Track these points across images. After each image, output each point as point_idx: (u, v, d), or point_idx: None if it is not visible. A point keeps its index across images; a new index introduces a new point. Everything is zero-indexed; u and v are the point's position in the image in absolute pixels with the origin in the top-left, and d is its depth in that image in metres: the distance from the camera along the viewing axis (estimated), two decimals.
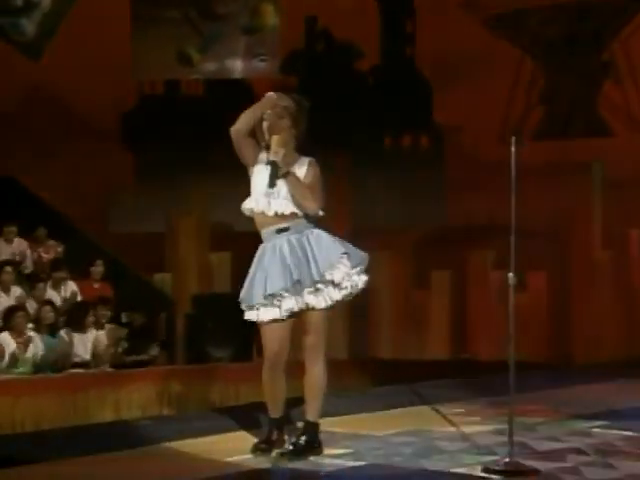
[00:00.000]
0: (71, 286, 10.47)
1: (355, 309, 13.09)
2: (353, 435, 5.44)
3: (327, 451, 5.00)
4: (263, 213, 4.98)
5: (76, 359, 8.98)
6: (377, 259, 13.51)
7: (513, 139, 4.63)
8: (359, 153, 14.72)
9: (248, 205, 5.04)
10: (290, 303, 4.91)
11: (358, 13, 15.05)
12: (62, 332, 9.14)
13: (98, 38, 11.29)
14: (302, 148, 5.17)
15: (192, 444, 5.27)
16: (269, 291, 4.90)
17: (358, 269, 4.99)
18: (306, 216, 4.98)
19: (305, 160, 5.09)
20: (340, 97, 15.26)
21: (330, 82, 15.36)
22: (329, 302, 4.94)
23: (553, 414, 6.29)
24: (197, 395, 8.09)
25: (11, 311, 8.77)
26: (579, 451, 5.13)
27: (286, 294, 4.91)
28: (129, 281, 11.47)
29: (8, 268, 9.87)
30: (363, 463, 4.84)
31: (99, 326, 9.43)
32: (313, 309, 4.92)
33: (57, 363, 8.71)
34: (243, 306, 5.01)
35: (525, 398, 6.20)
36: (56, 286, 10.32)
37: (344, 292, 4.93)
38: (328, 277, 4.91)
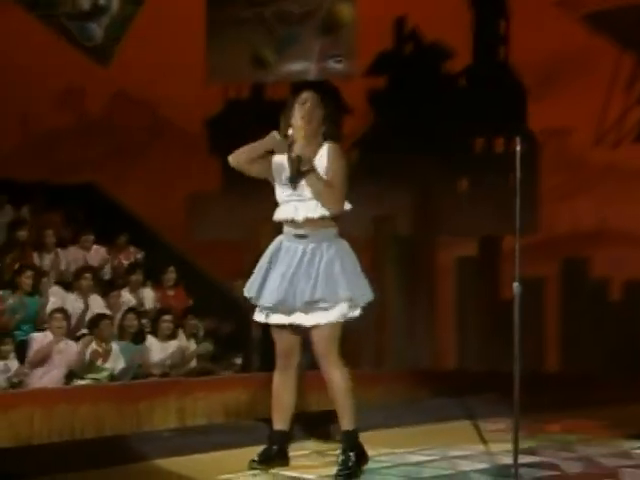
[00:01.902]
0: (148, 292, 10.66)
1: (440, 318, 13.08)
2: (370, 451, 5.33)
3: (328, 470, 4.89)
4: (293, 221, 4.97)
5: (155, 368, 9.13)
6: (466, 267, 13.43)
7: (518, 139, 4.57)
8: (448, 157, 14.63)
9: (277, 217, 5.05)
10: (278, 318, 4.94)
11: (449, 13, 14.98)
12: (148, 339, 9.29)
13: (176, 41, 11.48)
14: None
15: (193, 459, 5.26)
16: (263, 303, 4.90)
17: (354, 307, 4.97)
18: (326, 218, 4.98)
19: (324, 146, 5.00)
20: (429, 99, 15.19)
21: (419, 84, 15.31)
22: (322, 321, 4.92)
23: (601, 432, 6.16)
24: (266, 403, 8.14)
25: (97, 319, 8.94)
26: (608, 476, 4.92)
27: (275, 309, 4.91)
28: (208, 288, 11.61)
29: (87, 274, 10.07)
30: None
31: (185, 334, 9.59)
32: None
33: (136, 371, 8.87)
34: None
35: (580, 414, 6.12)
36: (133, 291, 10.50)
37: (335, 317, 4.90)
38: (321, 305, 4.86)
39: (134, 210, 13.45)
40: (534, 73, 15.72)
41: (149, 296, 10.66)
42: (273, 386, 5.05)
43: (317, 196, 4.92)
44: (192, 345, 9.53)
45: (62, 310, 8.76)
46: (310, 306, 4.86)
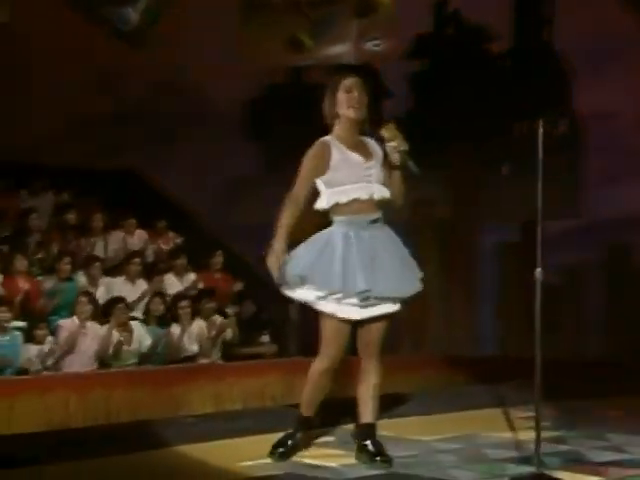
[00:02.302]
0: (191, 276, 10.70)
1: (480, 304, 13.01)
2: (396, 439, 5.35)
3: (350, 459, 4.88)
4: (358, 199, 4.96)
5: (186, 352, 9.17)
6: (506, 252, 13.33)
7: (541, 121, 4.51)
8: (491, 141, 14.52)
9: (337, 199, 4.98)
10: (355, 312, 4.93)
11: None
12: (173, 325, 9.32)
13: (212, 25, 11.48)
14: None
15: (216, 446, 5.26)
16: (358, 289, 4.86)
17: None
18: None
19: (373, 141, 5.11)
20: (470, 82, 15.09)
21: (460, 66, 15.21)
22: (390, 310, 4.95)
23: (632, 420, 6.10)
24: (302, 388, 8.17)
25: (112, 303, 8.96)
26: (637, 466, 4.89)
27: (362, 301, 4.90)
28: (247, 273, 11.64)
29: (136, 259, 10.15)
30: (377, 472, 4.74)
31: (206, 317, 9.58)
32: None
33: (165, 355, 8.91)
34: (314, 292, 4.93)
35: (618, 402, 6.06)
36: (178, 274, 10.55)
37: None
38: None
39: (173, 195, 13.51)
40: (579, 54, 15.56)
41: (192, 279, 10.70)
42: (319, 377, 4.97)
43: (397, 187, 5.02)
44: (223, 327, 9.49)
45: (87, 293, 8.79)
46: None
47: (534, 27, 15.67)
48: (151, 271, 10.43)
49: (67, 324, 8.49)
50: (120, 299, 8.90)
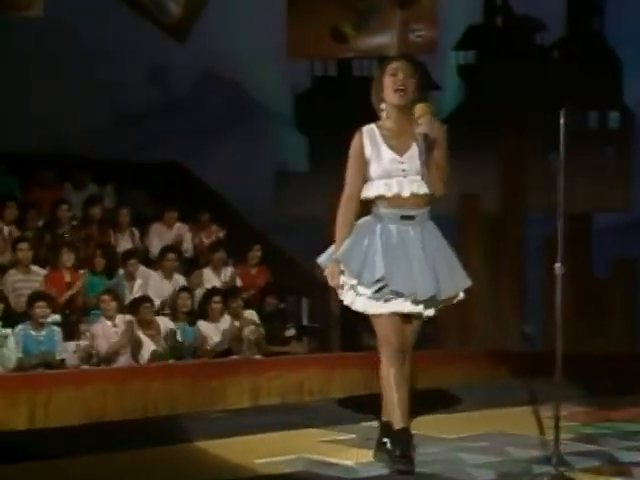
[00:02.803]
0: (230, 270, 10.63)
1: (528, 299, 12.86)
2: (420, 438, 5.17)
3: (367, 458, 4.81)
4: (399, 196, 4.85)
5: (215, 346, 9.10)
6: (551, 246, 13.22)
7: (562, 111, 4.39)
8: (539, 132, 14.35)
9: (376, 191, 4.88)
10: (405, 306, 4.81)
11: None
12: (200, 322, 9.25)
13: (257, 17, 11.49)
14: None
15: (238, 442, 5.21)
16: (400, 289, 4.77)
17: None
18: (428, 195, 4.85)
19: (424, 121, 4.80)
20: (521, 73, 14.94)
21: (510, 57, 15.07)
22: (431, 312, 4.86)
23: None
24: (340, 383, 8.15)
25: (136, 302, 8.90)
26: None
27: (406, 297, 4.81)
28: (289, 266, 11.60)
29: (171, 255, 10.03)
30: (389, 471, 4.63)
31: (237, 313, 9.51)
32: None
33: (194, 350, 8.88)
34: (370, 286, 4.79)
35: None
36: (216, 269, 10.47)
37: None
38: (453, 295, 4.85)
39: (218, 188, 13.51)
40: (631, 45, 15.34)
41: (232, 275, 10.64)
42: (389, 380, 4.72)
43: (430, 176, 4.81)
44: (257, 323, 9.44)
45: (109, 291, 8.75)
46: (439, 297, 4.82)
47: (585, 17, 15.49)
48: (191, 265, 10.38)
49: (99, 331, 8.43)
50: (146, 298, 8.85)
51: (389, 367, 4.77)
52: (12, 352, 7.72)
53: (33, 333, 7.91)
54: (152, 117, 14.31)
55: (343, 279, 4.85)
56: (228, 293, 9.60)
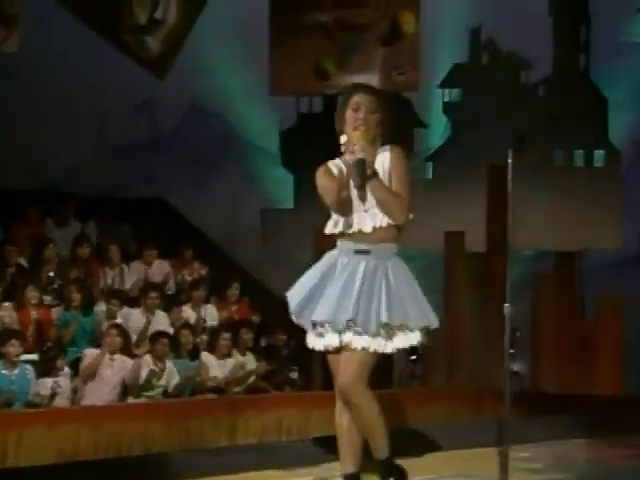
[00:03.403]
0: (210, 308, 10.58)
1: (518, 338, 12.75)
2: None
3: None
4: (354, 232, 4.68)
5: (211, 383, 9.06)
6: (543, 283, 13.08)
7: (510, 151, 4.33)
8: (526, 170, 14.34)
9: (335, 228, 4.72)
10: (336, 339, 4.62)
11: (525, 22, 14.71)
12: (202, 356, 9.21)
13: (241, 52, 11.47)
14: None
15: None
16: (318, 318, 4.62)
17: (418, 331, 4.65)
18: (392, 229, 4.68)
19: (385, 147, 4.70)
20: (507, 110, 14.94)
21: (496, 95, 15.06)
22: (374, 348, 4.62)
23: None
24: (319, 422, 8.01)
25: (156, 336, 8.90)
26: None
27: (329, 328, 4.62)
28: (275, 304, 11.51)
29: (152, 293, 10.00)
30: None
31: (240, 350, 9.49)
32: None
33: (191, 388, 8.82)
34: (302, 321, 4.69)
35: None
36: (195, 307, 10.43)
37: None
38: (396, 324, 4.60)
39: (202, 224, 13.44)
40: (616, 83, 15.35)
41: (212, 312, 10.58)
42: (339, 421, 4.60)
43: (381, 204, 4.63)
44: (250, 361, 9.41)
45: (117, 326, 8.73)
46: (378, 329, 4.60)
47: (570, 55, 15.49)
48: (171, 302, 10.32)
49: (91, 353, 8.42)
50: (164, 333, 8.83)
51: (336, 407, 4.66)
52: None
53: (4, 372, 7.79)
54: (137, 152, 14.25)
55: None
56: (239, 328, 9.59)
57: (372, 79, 10.03)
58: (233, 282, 10.84)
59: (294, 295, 4.77)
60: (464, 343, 12.26)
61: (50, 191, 12.25)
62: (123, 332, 8.67)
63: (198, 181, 14.33)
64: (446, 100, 14.96)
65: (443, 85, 14.82)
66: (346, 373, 4.59)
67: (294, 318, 4.74)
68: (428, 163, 15.20)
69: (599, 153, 15.56)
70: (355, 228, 4.69)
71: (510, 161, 4.44)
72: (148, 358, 8.69)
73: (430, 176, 15.16)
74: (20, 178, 12.19)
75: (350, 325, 4.57)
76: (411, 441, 6.32)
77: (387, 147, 4.73)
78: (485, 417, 9.34)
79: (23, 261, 10.33)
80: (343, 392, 4.61)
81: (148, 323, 9.62)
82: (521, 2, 14.68)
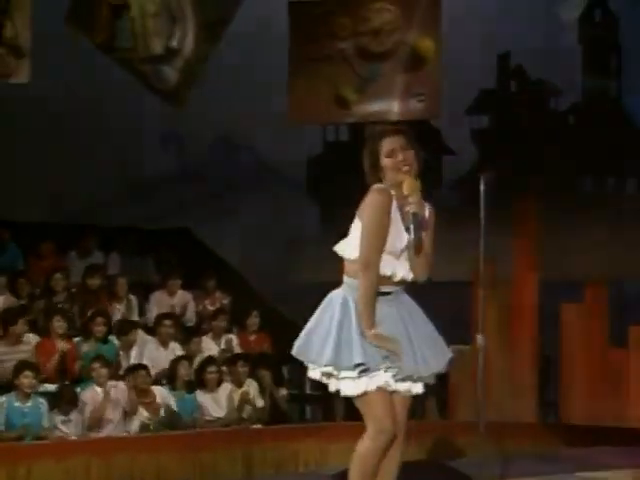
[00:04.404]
0: (230, 337, 10.55)
1: (544, 369, 12.59)
2: None
3: None
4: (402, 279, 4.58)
5: (215, 415, 8.97)
6: (573, 314, 12.93)
7: (482, 178, 4.24)
8: (555, 197, 14.23)
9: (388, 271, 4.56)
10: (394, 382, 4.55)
11: (555, 49, 14.65)
12: (197, 392, 9.10)
13: (262, 82, 11.49)
14: None
15: None
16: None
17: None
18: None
19: (426, 206, 4.62)
20: (536, 138, 14.85)
21: (525, 122, 14.99)
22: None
23: None
24: (337, 455, 7.93)
25: (133, 368, 8.79)
26: None
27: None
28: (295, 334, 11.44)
29: (167, 321, 9.97)
30: None
31: (238, 382, 9.37)
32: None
33: (194, 421, 8.74)
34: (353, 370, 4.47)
35: None
36: (216, 336, 10.42)
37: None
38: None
39: (228, 254, 13.44)
40: None
41: (229, 340, 10.55)
42: (372, 460, 4.47)
43: (427, 255, 4.56)
44: (250, 391, 9.28)
45: (101, 358, 8.63)
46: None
47: (601, 82, 15.41)
48: (191, 334, 10.28)
49: (89, 397, 8.30)
50: (141, 366, 8.74)
51: (372, 445, 4.52)
52: None
53: (17, 405, 7.76)
54: (164, 183, 14.32)
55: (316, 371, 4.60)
56: (235, 360, 9.48)
57: (392, 106, 9.99)
58: (252, 311, 10.79)
59: (319, 342, 4.64)
60: (492, 373, 12.11)
61: (73, 223, 12.31)
62: (107, 363, 8.56)
63: (223, 211, 14.36)
64: (474, 127, 14.92)
65: (470, 112, 14.78)
66: (405, 417, 4.58)
67: (327, 365, 4.53)
68: (456, 190, 15.14)
69: (630, 181, 15.42)
70: (401, 275, 4.57)
71: (483, 188, 4.36)
72: (133, 397, 8.53)
73: (457, 203, 15.09)
74: (44, 210, 12.27)
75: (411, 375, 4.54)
76: (438, 474, 6.21)
77: (427, 207, 4.61)
78: (511, 449, 9.23)
79: (43, 291, 10.36)
80: (400, 433, 4.55)
81: (169, 356, 9.59)
82: (550, 29, 14.62)
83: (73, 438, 7.74)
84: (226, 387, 9.11)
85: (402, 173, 4.51)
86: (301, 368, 10.66)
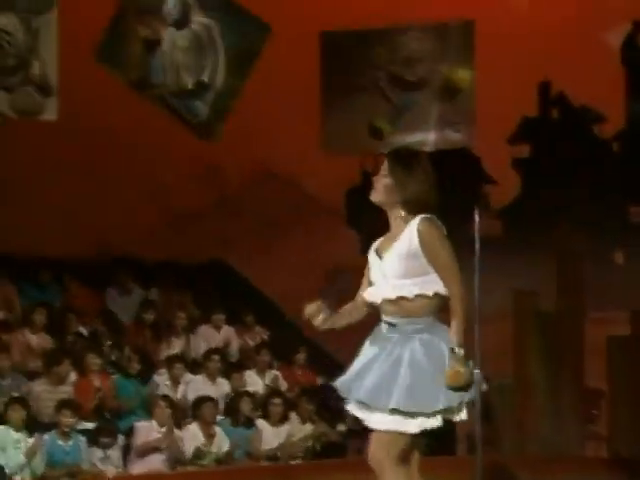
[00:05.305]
0: (276, 374, 10.62)
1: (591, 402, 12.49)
2: None
3: None
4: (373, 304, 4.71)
5: (267, 451, 9.04)
6: (617, 346, 12.79)
7: (476, 210, 4.22)
8: (601, 228, 14.11)
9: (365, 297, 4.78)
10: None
11: (597, 75, 14.56)
12: (257, 423, 9.20)
13: (295, 112, 11.53)
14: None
15: None
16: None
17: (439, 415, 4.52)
18: (424, 301, 4.56)
19: (416, 219, 4.57)
20: (579, 166, 14.76)
21: (568, 150, 14.90)
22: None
23: None
24: None
25: (200, 402, 8.92)
26: None
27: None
28: (336, 368, 11.45)
29: (215, 357, 10.11)
30: None
31: (300, 418, 9.47)
32: None
33: (246, 455, 8.81)
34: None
35: None
36: (261, 371, 10.49)
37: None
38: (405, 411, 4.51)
39: (266, 286, 13.48)
40: None
41: (279, 378, 10.62)
42: None
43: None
44: (306, 428, 9.36)
45: (166, 397, 8.75)
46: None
47: None
48: (233, 368, 10.35)
49: (144, 428, 8.42)
50: (208, 398, 8.86)
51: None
52: (37, 463, 7.66)
53: (60, 443, 7.85)
54: (202, 216, 14.37)
55: None
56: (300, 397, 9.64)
57: (427, 137, 10.03)
58: (300, 346, 10.88)
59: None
60: (534, 406, 12.04)
61: (113, 258, 12.41)
62: (172, 403, 8.68)
63: (261, 244, 14.38)
64: (515, 156, 14.86)
65: (512, 140, 14.72)
66: (376, 454, 4.57)
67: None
68: (498, 220, 15.07)
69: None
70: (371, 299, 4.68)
71: (477, 219, 4.35)
72: (194, 428, 8.65)
73: (500, 233, 15.01)
74: (81, 246, 12.38)
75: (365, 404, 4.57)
76: None
77: (415, 222, 4.58)
78: None
79: (83, 329, 10.48)
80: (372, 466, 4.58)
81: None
82: (592, 52, 14.55)
83: (120, 475, 7.81)
84: (288, 423, 9.23)
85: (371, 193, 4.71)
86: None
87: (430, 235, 4.54)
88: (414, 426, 4.51)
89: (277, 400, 9.36)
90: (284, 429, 9.25)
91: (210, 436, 8.64)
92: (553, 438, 12.03)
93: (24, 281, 11.17)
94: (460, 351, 4.37)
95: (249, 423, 9.26)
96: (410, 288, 4.56)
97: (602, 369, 12.44)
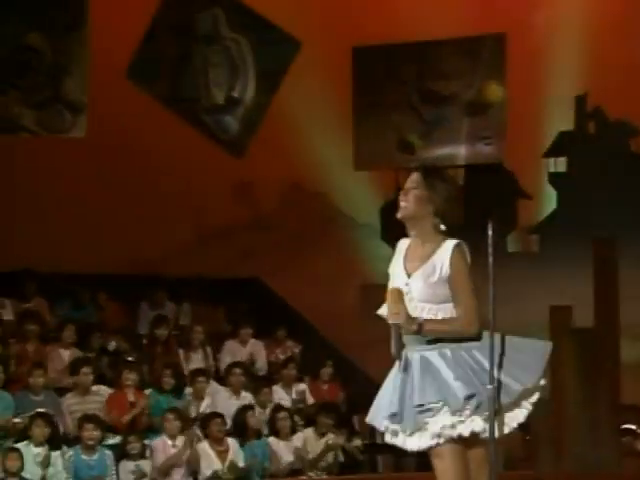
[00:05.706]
0: (303, 388, 10.63)
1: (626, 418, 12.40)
2: None
3: None
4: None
5: (287, 465, 9.05)
6: None
7: (490, 224, 4.21)
8: (637, 243, 14.02)
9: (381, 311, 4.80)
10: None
11: (632, 88, 14.50)
12: (269, 441, 9.21)
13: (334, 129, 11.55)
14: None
15: None
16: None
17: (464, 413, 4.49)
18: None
19: (449, 244, 4.59)
20: (615, 180, 14.70)
21: (604, 165, 14.84)
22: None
23: None
24: None
25: (208, 418, 8.93)
26: None
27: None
28: (367, 386, 11.47)
29: (237, 370, 10.14)
30: None
31: (319, 432, 9.46)
32: None
33: (264, 470, 8.81)
34: None
35: None
36: (287, 385, 10.51)
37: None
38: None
39: (299, 303, 13.52)
40: None
41: (306, 392, 10.64)
42: None
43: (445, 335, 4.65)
44: (321, 443, 9.35)
45: (175, 410, 8.77)
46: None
47: None
48: (262, 383, 10.39)
49: (160, 446, 8.45)
50: (217, 414, 8.86)
51: None
52: (61, 477, 7.72)
53: (84, 457, 7.90)
54: (234, 231, 14.45)
55: None
56: (319, 410, 9.62)
57: (458, 151, 10.04)
58: (326, 360, 10.90)
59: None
60: (571, 423, 11.97)
61: (145, 274, 12.50)
62: (181, 415, 8.70)
63: (294, 259, 14.42)
64: (551, 170, 14.82)
65: (548, 154, 14.69)
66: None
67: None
68: (534, 236, 15.02)
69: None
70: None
71: (490, 233, 4.35)
72: (205, 446, 8.66)
73: (536, 249, 14.97)
74: (113, 262, 12.50)
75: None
76: None
77: (451, 245, 4.61)
78: None
79: (113, 345, 10.57)
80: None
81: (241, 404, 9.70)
82: (626, 65, 14.49)
83: None
84: (299, 436, 9.21)
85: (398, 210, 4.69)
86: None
87: (462, 265, 4.59)
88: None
89: (282, 414, 9.34)
90: (297, 442, 9.20)
91: (221, 452, 8.64)
92: (590, 454, 11.94)
93: (57, 296, 11.29)
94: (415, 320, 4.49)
95: (258, 437, 9.26)
96: (435, 312, 4.60)
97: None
